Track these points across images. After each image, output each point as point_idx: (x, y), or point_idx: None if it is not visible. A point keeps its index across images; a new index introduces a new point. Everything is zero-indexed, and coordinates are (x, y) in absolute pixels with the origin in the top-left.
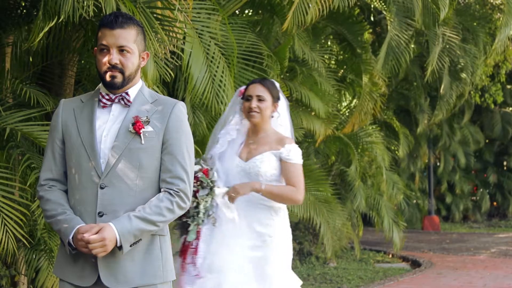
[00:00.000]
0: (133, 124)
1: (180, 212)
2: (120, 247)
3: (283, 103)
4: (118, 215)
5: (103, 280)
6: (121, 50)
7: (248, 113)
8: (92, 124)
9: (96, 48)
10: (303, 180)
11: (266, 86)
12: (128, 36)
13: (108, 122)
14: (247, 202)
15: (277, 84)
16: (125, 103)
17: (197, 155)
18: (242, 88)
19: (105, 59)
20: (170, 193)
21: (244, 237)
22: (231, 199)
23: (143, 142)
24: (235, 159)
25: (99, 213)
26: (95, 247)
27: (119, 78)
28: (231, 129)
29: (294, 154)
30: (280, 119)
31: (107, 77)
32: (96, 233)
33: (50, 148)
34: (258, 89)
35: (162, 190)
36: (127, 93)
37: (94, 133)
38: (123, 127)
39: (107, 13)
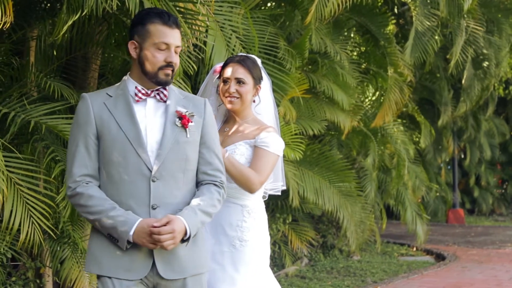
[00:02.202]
0: (180, 119)
1: (221, 204)
2: (183, 240)
3: (266, 85)
4: (169, 208)
5: (160, 271)
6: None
7: (225, 98)
8: (133, 118)
9: (134, 41)
10: (270, 173)
11: (247, 66)
12: (180, 36)
13: (147, 116)
14: None
15: (259, 61)
16: (161, 98)
17: None
18: (219, 65)
19: (164, 57)
20: (216, 185)
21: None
22: None
23: (188, 135)
24: None
25: (152, 206)
26: (166, 239)
27: (171, 76)
28: None
29: (271, 141)
30: (259, 106)
31: (162, 75)
32: (165, 225)
33: (83, 144)
34: (236, 71)
35: (204, 182)
36: (165, 88)
37: (138, 127)
38: (169, 121)
39: (130, 7)
